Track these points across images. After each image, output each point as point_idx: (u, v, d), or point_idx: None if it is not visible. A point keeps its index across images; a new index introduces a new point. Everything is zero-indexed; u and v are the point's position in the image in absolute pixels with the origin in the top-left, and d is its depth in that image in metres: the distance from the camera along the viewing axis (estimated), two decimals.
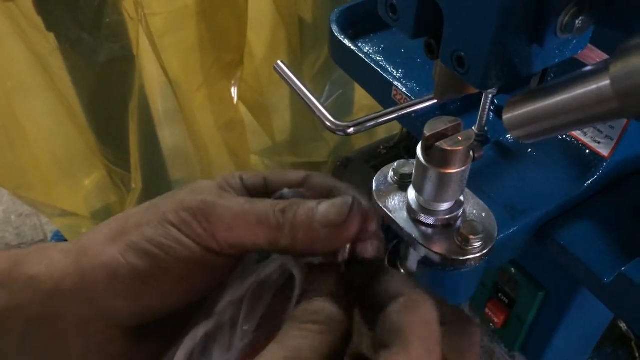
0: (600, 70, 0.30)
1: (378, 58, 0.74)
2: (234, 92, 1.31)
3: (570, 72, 0.34)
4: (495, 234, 0.46)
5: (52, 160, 1.32)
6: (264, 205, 0.34)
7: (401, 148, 1.07)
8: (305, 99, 0.55)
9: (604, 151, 0.57)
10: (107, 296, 0.33)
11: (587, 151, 0.58)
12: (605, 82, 0.30)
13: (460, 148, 0.40)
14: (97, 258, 0.33)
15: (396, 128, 1.26)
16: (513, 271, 0.75)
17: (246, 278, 0.36)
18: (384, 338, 0.30)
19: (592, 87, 0.31)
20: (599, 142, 0.57)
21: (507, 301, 0.79)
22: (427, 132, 0.39)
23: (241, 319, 0.34)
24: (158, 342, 0.35)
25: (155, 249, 0.33)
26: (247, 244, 0.34)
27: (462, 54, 0.35)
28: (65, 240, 1.40)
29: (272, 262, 0.36)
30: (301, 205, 0.34)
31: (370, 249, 0.36)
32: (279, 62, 0.56)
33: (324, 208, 0.34)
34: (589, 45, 0.38)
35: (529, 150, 0.61)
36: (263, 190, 0.39)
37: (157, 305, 0.34)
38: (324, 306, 0.31)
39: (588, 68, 0.32)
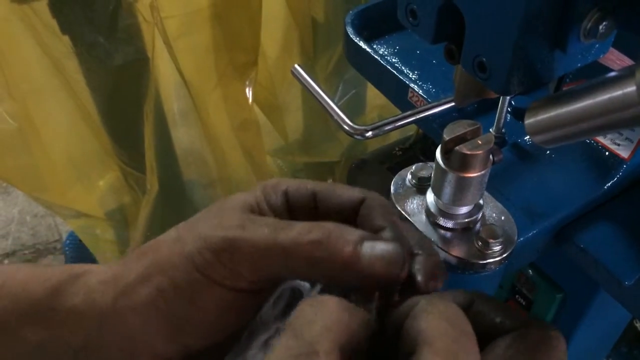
0: (626, 76, 0.30)
1: (394, 60, 0.74)
2: (249, 92, 1.31)
3: (590, 73, 0.34)
4: (515, 238, 0.45)
5: (67, 161, 1.32)
6: (292, 234, 0.31)
7: (417, 149, 1.06)
8: (322, 102, 0.55)
9: (624, 153, 0.56)
10: (146, 335, 0.34)
11: (607, 153, 0.58)
12: (631, 88, 0.30)
13: (480, 152, 0.39)
14: (130, 299, 0.33)
15: (411, 129, 1.25)
16: (531, 273, 0.75)
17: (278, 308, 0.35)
18: (406, 350, 0.27)
19: (617, 92, 0.31)
20: (618, 144, 0.56)
21: (524, 303, 0.78)
22: (446, 136, 0.39)
23: None
24: None
25: (183, 296, 0.33)
26: (277, 276, 0.33)
27: (484, 59, 0.35)
28: (79, 241, 1.42)
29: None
30: (340, 240, 0.31)
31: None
32: (296, 66, 0.56)
33: (370, 255, 0.31)
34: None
35: (548, 152, 0.60)
36: (311, 206, 0.36)
37: (195, 342, 0.34)
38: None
39: (612, 74, 0.32)
